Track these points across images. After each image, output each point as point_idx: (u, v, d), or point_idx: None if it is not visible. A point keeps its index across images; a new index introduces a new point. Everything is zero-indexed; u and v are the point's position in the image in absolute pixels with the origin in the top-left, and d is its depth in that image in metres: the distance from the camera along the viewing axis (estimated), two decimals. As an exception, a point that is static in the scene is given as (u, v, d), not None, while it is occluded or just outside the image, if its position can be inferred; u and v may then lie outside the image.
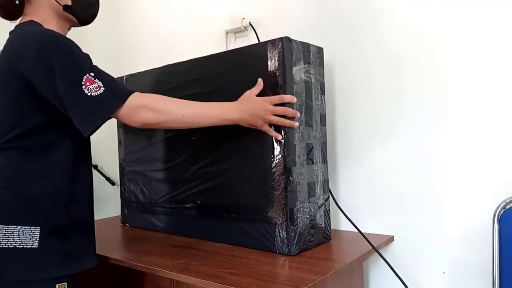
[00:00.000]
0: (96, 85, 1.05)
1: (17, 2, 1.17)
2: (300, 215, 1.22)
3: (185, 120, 1.10)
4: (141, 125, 1.10)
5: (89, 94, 1.04)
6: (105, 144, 2.36)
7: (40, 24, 1.15)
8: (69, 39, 1.11)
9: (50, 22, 1.18)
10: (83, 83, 1.04)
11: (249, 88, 1.21)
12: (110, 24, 2.38)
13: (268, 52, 1.21)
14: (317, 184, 1.29)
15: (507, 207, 1.17)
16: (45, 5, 1.18)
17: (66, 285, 1.11)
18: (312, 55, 1.29)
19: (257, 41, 1.63)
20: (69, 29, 1.27)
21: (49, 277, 1.08)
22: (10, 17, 1.20)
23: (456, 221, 1.30)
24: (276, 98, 1.14)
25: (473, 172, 1.26)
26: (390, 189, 1.42)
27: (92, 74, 1.06)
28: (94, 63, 1.10)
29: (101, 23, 2.43)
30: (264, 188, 1.24)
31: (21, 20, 1.20)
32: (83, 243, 1.17)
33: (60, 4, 1.19)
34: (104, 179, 2.35)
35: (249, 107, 1.13)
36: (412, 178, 1.37)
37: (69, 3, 1.20)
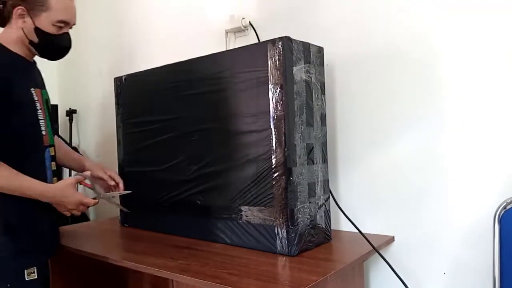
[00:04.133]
0: None
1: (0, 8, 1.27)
2: (300, 215, 1.22)
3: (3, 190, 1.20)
4: None
5: None
6: (104, 144, 2.37)
7: None
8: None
9: (17, 45, 1.30)
10: None
11: (249, 89, 1.23)
12: (110, 24, 2.38)
13: (268, 52, 1.21)
14: (317, 184, 1.29)
15: (508, 207, 1.17)
16: (18, 30, 1.28)
17: (35, 269, 1.23)
18: (312, 55, 1.29)
19: (257, 41, 1.63)
20: (34, 56, 1.36)
21: (3, 277, 1.19)
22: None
23: (457, 221, 1.29)
24: (90, 202, 1.32)
25: (474, 172, 1.26)
26: (390, 189, 1.41)
27: None
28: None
29: (101, 23, 2.43)
30: (264, 188, 1.23)
31: (1, 32, 1.30)
32: (33, 242, 1.27)
33: (28, 37, 1.28)
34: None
35: (59, 199, 1.28)
36: (412, 178, 1.37)
37: (36, 40, 1.28)
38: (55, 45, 1.32)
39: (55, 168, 1.38)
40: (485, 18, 1.22)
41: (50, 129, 1.38)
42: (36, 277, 1.23)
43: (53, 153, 1.37)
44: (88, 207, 1.33)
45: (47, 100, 1.39)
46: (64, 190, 1.28)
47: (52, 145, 1.38)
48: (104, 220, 2.00)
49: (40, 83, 1.39)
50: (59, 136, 1.67)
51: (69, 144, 2.45)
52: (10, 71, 1.24)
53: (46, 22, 1.26)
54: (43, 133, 1.32)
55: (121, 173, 1.75)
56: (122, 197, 1.76)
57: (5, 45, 1.27)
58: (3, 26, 1.31)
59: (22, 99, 1.26)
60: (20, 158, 1.25)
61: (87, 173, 1.42)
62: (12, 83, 1.22)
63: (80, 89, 2.55)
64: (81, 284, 1.51)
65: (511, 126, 1.20)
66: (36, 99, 1.30)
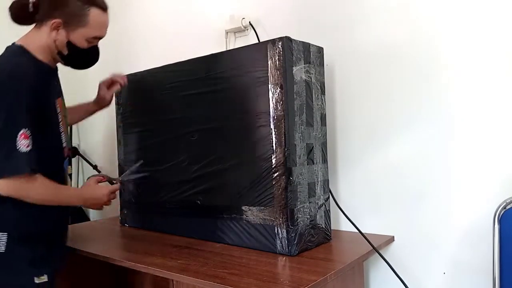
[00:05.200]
0: (28, 142, 1.12)
1: (31, 10, 1.22)
2: (300, 215, 1.22)
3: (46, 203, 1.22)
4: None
5: (18, 146, 1.10)
6: (104, 144, 2.36)
7: (27, 53, 1.21)
8: (34, 88, 1.16)
9: (44, 52, 1.25)
10: (20, 133, 1.11)
11: (249, 89, 1.24)
12: (110, 23, 2.38)
13: (268, 52, 1.21)
14: (317, 184, 1.29)
15: (508, 207, 1.17)
16: (48, 39, 1.23)
17: (46, 277, 1.21)
18: (312, 55, 1.29)
19: (257, 41, 1.63)
20: (57, 63, 1.33)
21: (15, 283, 1.17)
22: (18, 21, 1.25)
23: (457, 221, 1.30)
24: (115, 188, 1.41)
25: (474, 172, 1.26)
26: (390, 189, 1.41)
27: (29, 131, 1.13)
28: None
29: (100, 23, 2.43)
30: (264, 188, 1.23)
31: (26, 34, 1.25)
32: (48, 250, 1.24)
33: (58, 48, 1.25)
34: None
35: (94, 197, 1.34)
36: (412, 178, 1.37)
37: (65, 53, 1.26)
38: (84, 58, 1.31)
39: (70, 172, 1.43)
40: (486, 18, 1.22)
41: (68, 138, 1.41)
42: (46, 279, 1.22)
43: (68, 158, 1.39)
44: (115, 192, 1.41)
45: (65, 106, 1.39)
46: (94, 188, 1.34)
47: (69, 154, 1.39)
48: (104, 220, 2.00)
49: (60, 91, 1.37)
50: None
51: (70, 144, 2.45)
52: (38, 82, 1.19)
53: (80, 37, 1.24)
54: (64, 145, 1.31)
55: (121, 173, 1.76)
56: (121, 197, 1.76)
57: (31, 51, 1.22)
58: (25, 24, 1.26)
59: (47, 112, 1.25)
60: (41, 170, 1.20)
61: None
62: (39, 95, 1.19)
63: (80, 89, 2.55)
64: (81, 284, 1.51)
65: (510, 126, 1.20)
66: (58, 111, 1.29)
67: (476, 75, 1.25)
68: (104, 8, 1.28)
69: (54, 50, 1.25)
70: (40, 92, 1.20)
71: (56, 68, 1.35)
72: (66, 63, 1.32)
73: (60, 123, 1.29)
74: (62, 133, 1.31)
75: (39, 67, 1.23)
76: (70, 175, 1.43)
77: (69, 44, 1.24)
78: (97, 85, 1.59)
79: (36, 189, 1.17)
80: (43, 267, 1.21)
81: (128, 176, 1.57)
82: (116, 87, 1.59)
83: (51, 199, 1.22)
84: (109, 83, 1.58)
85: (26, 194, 1.16)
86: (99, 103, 1.59)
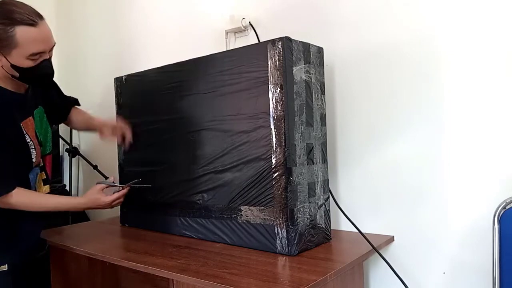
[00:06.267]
0: None
1: None
2: (300, 215, 1.22)
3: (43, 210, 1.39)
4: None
5: None
6: (104, 144, 2.36)
7: None
8: None
9: (3, 79, 1.29)
10: None
11: (249, 89, 1.24)
12: (110, 24, 2.38)
13: (268, 52, 1.21)
14: (317, 184, 1.29)
15: (507, 207, 1.17)
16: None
17: (6, 266, 1.31)
18: (312, 55, 1.29)
19: (257, 41, 1.63)
20: (26, 85, 1.37)
21: None
22: None
23: (456, 221, 1.30)
24: (120, 195, 1.49)
25: (473, 172, 1.26)
26: (390, 189, 1.41)
27: None
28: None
29: (101, 23, 2.43)
30: (264, 188, 1.24)
31: None
32: (9, 240, 1.35)
33: (9, 73, 1.27)
34: (104, 179, 2.34)
35: (93, 206, 1.46)
36: (412, 178, 1.37)
37: (17, 75, 1.28)
38: (37, 76, 1.30)
39: (45, 177, 1.46)
40: (485, 18, 1.22)
41: (45, 145, 1.45)
42: (6, 268, 1.31)
43: (42, 165, 1.44)
44: (121, 197, 1.49)
45: (40, 118, 1.42)
46: (94, 199, 1.44)
47: (42, 161, 1.44)
48: (104, 220, 2.00)
49: (32, 108, 1.40)
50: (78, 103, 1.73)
51: (69, 144, 2.45)
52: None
53: (19, 57, 1.22)
54: (33, 160, 1.37)
55: (121, 173, 1.76)
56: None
57: None
58: None
59: (11, 137, 1.29)
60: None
61: (111, 178, 1.54)
62: (3, 122, 1.25)
63: (80, 89, 2.55)
64: (81, 283, 1.51)
65: (510, 126, 1.20)
66: (25, 132, 1.33)
67: (476, 75, 1.25)
68: (30, 23, 1.20)
69: (8, 75, 1.27)
70: (4, 120, 1.26)
71: (26, 91, 1.38)
72: (26, 83, 1.35)
73: (30, 142, 1.35)
74: (32, 149, 1.36)
75: (1, 96, 1.28)
76: (45, 179, 1.47)
77: (14, 66, 1.24)
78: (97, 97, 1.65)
79: (16, 204, 1.29)
80: (4, 257, 1.31)
81: (132, 185, 1.58)
82: (119, 139, 1.65)
83: (41, 208, 1.36)
84: (114, 129, 1.63)
85: (11, 206, 1.29)
86: (97, 131, 1.65)
